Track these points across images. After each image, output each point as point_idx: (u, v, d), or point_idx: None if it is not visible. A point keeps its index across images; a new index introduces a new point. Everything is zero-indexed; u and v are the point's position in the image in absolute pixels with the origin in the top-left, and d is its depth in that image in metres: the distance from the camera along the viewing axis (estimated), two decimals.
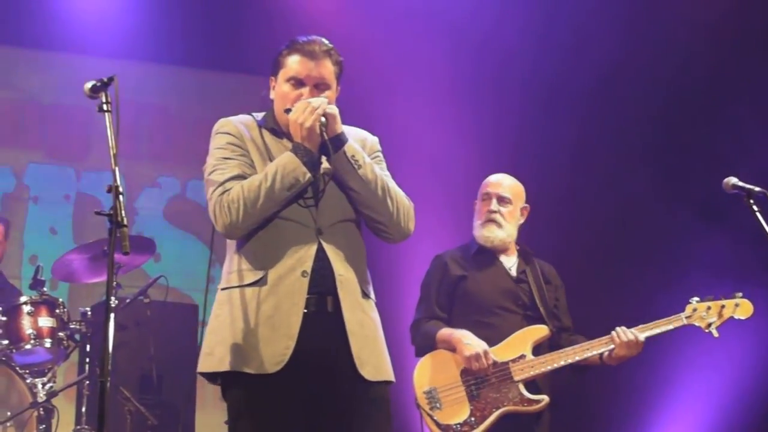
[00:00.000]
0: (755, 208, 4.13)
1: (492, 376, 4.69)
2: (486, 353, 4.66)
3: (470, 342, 4.69)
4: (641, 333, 4.68)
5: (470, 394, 4.68)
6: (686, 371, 6.83)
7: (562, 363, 4.71)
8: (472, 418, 4.63)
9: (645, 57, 7.34)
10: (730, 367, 6.70)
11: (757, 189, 4.16)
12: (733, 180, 4.25)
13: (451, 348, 4.76)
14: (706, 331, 4.68)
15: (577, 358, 4.71)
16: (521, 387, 4.68)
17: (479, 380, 4.69)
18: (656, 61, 7.32)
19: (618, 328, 4.70)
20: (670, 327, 4.72)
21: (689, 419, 6.88)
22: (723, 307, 4.68)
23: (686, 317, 4.71)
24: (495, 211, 4.96)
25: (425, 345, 4.85)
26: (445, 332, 4.79)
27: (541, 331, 4.82)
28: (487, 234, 4.95)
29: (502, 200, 4.99)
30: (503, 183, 5.05)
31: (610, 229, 7.31)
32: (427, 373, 4.75)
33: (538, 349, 4.80)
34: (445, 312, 4.91)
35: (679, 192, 7.06)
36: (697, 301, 4.73)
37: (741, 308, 4.68)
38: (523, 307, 4.90)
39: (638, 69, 7.36)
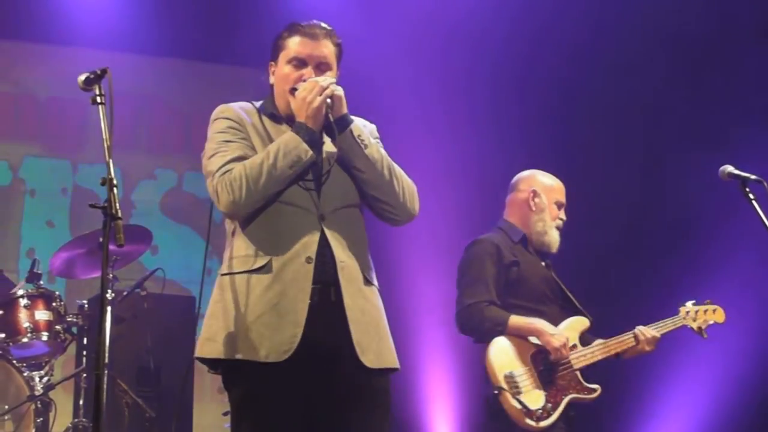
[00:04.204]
0: (751, 196, 4.14)
1: (556, 364, 4.71)
2: (567, 342, 4.74)
3: (554, 332, 4.73)
4: (658, 331, 4.94)
5: (542, 380, 4.67)
6: (679, 368, 6.87)
7: (607, 354, 4.86)
8: (549, 404, 4.63)
9: (655, 56, 7.35)
10: (722, 364, 6.74)
11: (753, 177, 4.17)
12: (728, 168, 4.26)
13: (525, 336, 4.73)
14: (697, 332, 5.03)
15: (618, 351, 4.88)
16: (579, 375, 4.74)
17: (546, 368, 4.70)
18: (666, 62, 7.35)
19: (638, 328, 4.90)
20: (672, 328, 5.02)
21: (681, 416, 6.93)
22: (706, 311, 5.03)
23: (682, 319, 5.02)
24: (564, 221, 5.04)
25: (493, 331, 4.71)
26: (518, 320, 4.73)
27: (585, 322, 4.91)
28: (558, 239, 4.99)
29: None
30: (564, 191, 5.12)
31: (616, 229, 7.33)
32: (504, 357, 4.67)
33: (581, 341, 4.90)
34: (499, 297, 4.82)
35: (692, 188, 7.05)
36: (693, 304, 5.04)
37: (717, 314, 5.06)
38: (558, 297, 4.97)
39: (647, 66, 7.37)
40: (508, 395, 4.58)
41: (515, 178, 5.17)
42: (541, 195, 5.02)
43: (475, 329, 4.79)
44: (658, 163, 7.41)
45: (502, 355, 4.68)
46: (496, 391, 4.59)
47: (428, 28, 7.72)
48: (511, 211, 5.09)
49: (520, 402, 4.57)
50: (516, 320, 4.73)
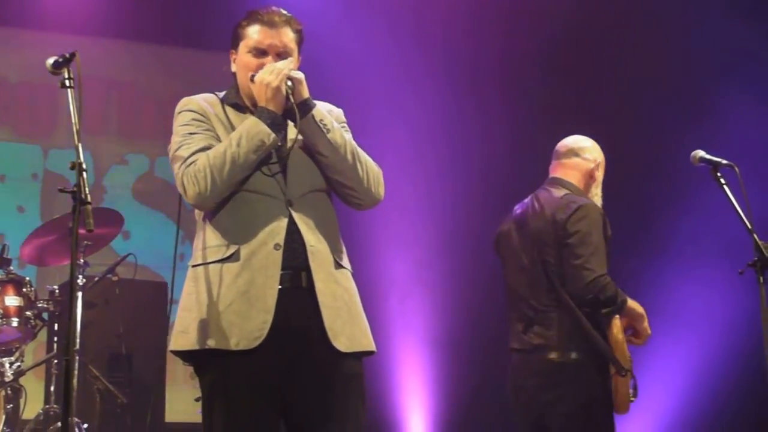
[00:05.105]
0: (722, 181, 4.14)
1: None
2: None
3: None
4: None
5: None
6: (659, 343, 6.90)
7: None
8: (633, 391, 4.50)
9: (639, 30, 7.38)
10: (699, 339, 6.78)
11: (725, 162, 4.17)
12: (700, 153, 4.24)
13: (632, 318, 4.52)
14: None
15: None
16: None
17: None
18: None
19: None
20: None
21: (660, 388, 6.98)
22: None
23: None
24: None
25: (620, 307, 4.45)
26: (631, 301, 4.49)
27: None
28: None
29: None
30: None
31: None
32: (623, 338, 4.46)
33: None
34: None
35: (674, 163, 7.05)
36: None
37: None
38: None
39: (628, 38, 7.40)
40: (628, 377, 4.40)
41: (576, 143, 4.74)
42: (600, 169, 4.72)
43: (609, 301, 4.42)
44: (640, 138, 7.42)
45: (622, 335, 4.46)
46: (623, 374, 4.39)
47: (403, 5, 7.72)
48: (572, 175, 4.68)
49: (634, 388, 4.44)
50: (630, 301, 4.48)
